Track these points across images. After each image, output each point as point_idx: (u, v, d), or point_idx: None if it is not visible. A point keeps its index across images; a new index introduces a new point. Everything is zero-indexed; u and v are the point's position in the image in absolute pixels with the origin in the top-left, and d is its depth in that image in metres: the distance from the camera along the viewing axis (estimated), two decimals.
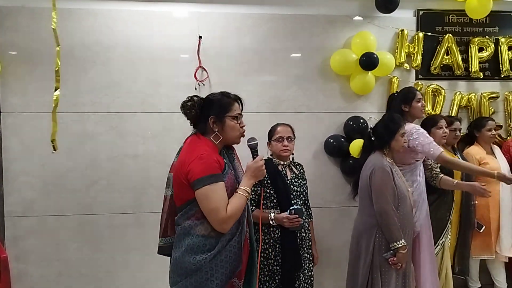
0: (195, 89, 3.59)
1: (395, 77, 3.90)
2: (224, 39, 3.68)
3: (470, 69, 4.01)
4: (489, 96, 4.03)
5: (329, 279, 3.79)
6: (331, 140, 3.81)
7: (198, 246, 2.04)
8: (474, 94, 4.03)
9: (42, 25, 3.44)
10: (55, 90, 2.86)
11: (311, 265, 2.91)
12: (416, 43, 3.92)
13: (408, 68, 3.94)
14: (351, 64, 3.70)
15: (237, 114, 2.20)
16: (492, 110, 4.03)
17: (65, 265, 3.55)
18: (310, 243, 2.93)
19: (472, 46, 4.01)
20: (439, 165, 3.27)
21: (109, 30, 3.54)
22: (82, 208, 3.56)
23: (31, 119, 3.47)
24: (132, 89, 3.58)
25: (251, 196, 2.42)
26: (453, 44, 3.95)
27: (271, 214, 2.75)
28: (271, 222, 2.75)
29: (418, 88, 3.91)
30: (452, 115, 3.95)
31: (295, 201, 2.81)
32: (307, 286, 2.85)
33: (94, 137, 3.55)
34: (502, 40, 4.04)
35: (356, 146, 3.66)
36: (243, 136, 2.26)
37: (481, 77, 4.02)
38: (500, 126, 4.03)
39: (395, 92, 3.24)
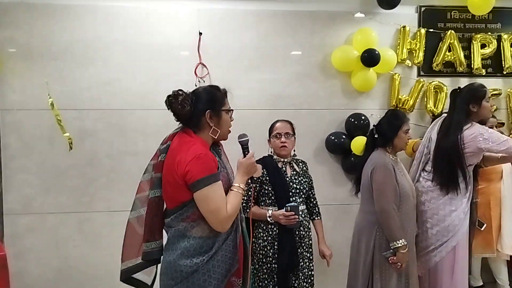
0: (195, 85, 3.54)
1: (397, 74, 3.87)
2: (225, 35, 3.66)
3: (472, 66, 3.98)
4: (492, 93, 3.98)
5: (330, 277, 3.75)
6: (332, 137, 3.78)
7: (195, 249, 1.96)
8: None
9: (41, 21, 3.42)
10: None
11: (311, 264, 2.88)
12: (418, 40, 3.89)
13: (410, 65, 3.92)
14: (352, 60, 3.67)
15: (229, 107, 2.13)
16: (495, 107, 4.00)
17: (64, 263, 3.53)
18: (310, 241, 2.89)
19: (474, 42, 3.98)
20: None
21: (109, 26, 3.52)
22: (82, 206, 3.54)
23: (30, 116, 3.45)
24: (131, 86, 3.55)
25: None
26: (455, 41, 3.92)
27: (269, 211, 2.73)
28: (268, 220, 2.72)
29: (420, 85, 3.89)
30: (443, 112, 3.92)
31: (293, 198, 2.78)
32: (307, 285, 2.82)
33: (94, 134, 3.52)
34: (505, 36, 4.01)
35: (357, 143, 3.63)
36: (230, 132, 2.16)
37: (484, 74, 4.00)
38: (503, 124, 4.00)
39: (458, 87, 3.14)
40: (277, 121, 2.92)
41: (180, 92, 2.04)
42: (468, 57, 3.99)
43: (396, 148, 2.91)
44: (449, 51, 3.94)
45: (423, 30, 3.89)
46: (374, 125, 3.02)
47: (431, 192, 2.97)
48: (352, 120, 3.77)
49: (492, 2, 3.70)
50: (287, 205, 2.66)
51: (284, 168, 2.85)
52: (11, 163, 3.44)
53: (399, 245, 2.68)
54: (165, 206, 2.10)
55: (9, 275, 3.30)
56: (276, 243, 2.73)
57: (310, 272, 2.86)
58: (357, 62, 3.67)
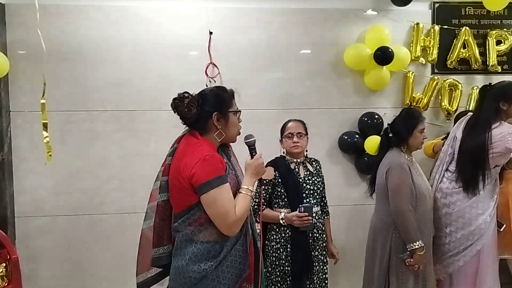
0: (206, 85, 3.52)
1: (411, 72, 3.80)
2: (235, 34, 3.61)
3: (487, 63, 3.89)
4: None
5: (344, 279, 3.71)
6: (345, 137, 3.72)
7: (203, 254, 1.92)
8: None
9: (51, 22, 3.40)
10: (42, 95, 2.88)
11: (325, 267, 2.82)
12: (432, 37, 3.81)
13: (423, 63, 3.84)
14: (365, 58, 3.61)
15: (237, 108, 2.08)
16: None
17: (76, 266, 3.51)
18: (324, 244, 2.84)
19: (489, 39, 3.89)
20: None
21: (119, 27, 3.49)
22: (93, 208, 3.51)
23: (41, 117, 3.41)
24: (142, 87, 3.52)
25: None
26: (470, 37, 3.84)
27: (281, 213, 2.68)
28: (281, 222, 2.67)
29: (434, 83, 3.82)
30: (469, 110, 3.84)
31: (307, 199, 2.73)
32: None
33: (105, 136, 3.50)
34: None
35: (371, 142, 3.57)
36: (239, 133, 2.13)
37: (499, 71, 3.91)
38: None
39: (488, 84, 2.98)
40: (289, 121, 2.88)
41: (186, 95, 2.01)
42: (483, 54, 3.90)
43: (411, 147, 2.86)
44: (464, 48, 3.86)
45: (437, 27, 3.81)
46: (388, 124, 2.97)
47: (456, 194, 2.87)
48: (365, 119, 3.71)
49: None
50: (300, 206, 2.61)
51: (297, 169, 2.80)
52: (22, 165, 3.43)
53: (416, 246, 2.62)
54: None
55: (21, 278, 3.30)
56: (289, 245, 2.68)
57: (324, 276, 2.81)
58: (370, 60, 3.60)
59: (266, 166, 2.79)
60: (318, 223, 2.77)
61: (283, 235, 2.70)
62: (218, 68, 3.56)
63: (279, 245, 2.69)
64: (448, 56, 3.87)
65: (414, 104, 3.80)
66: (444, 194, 2.90)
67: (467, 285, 2.81)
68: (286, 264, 2.67)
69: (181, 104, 1.99)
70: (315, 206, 2.74)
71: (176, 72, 3.54)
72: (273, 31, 3.66)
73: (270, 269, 2.70)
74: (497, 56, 3.89)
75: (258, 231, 2.19)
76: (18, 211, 3.43)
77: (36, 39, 3.37)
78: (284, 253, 2.68)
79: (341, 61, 3.73)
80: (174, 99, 2.02)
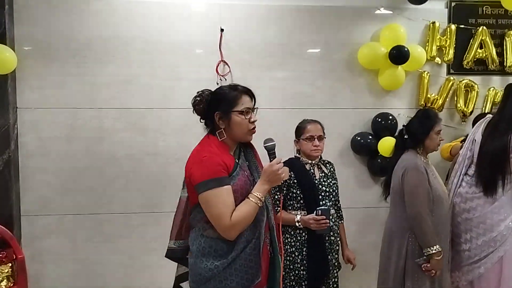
0: (217, 83, 3.44)
1: (426, 72, 3.71)
2: (247, 32, 3.54)
3: (505, 64, 3.80)
4: None
5: (354, 283, 3.62)
6: (358, 138, 3.64)
7: (209, 250, 1.92)
8: None
9: (59, 18, 3.34)
10: None
11: (335, 271, 2.74)
12: (448, 36, 3.72)
13: (439, 62, 3.75)
14: (380, 58, 3.52)
15: (245, 108, 1.97)
16: None
17: (82, 266, 3.45)
18: (338, 247, 2.76)
19: (507, 39, 3.80)
20: None
21: (128, 23, 3.42)
22: (100, 207, 3.45)
23: (48, 114, 3.37)
24: (151, 84, 3.45)
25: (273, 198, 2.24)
26: (487, 37, 3.75)
27: (297, 216, 2.60)
28: (297, 225, 2.59)
29: (450, 84, 3.73)
30: (485, 112, 3.75)
31: (323, 202, 2.65)
32: None
33: (113, 134, 3.43)
34: None
35: (385, 144, 3.49)
36: (253, 132, 2.03)
37: None
38: None
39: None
40: (307, 122, 2.77)
41: (200, 93, 2.04)
42: (500, 54, 3.81)
43: (427, 149, 2.77)
44: (481, 48, 3.77)
45: (453, 26, 3.72)
46: (404, 126, 2.88)
47: (477, 199, 2.74)
48: (379, 120, 3.63)
49: None
50: (317, 208, 2.52)
51: (312, 170, 2.71)
52: (29, 162, 3.37)
53: (434, 251, 2.54)
54: None
55: (27, 278, 3.24)
56: (304, 249, 2.60)
57: (335, 279, 2.73)
58: (384, 59, 3.52)
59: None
60: (334, 226, 2.68)
61: (298, 238, 2.61)
62: (229, 66, 3.48)
63: (294, 249, 2.61)
64: (465, 56, 3.78)
65: (429, 105, 3.71)
66: (463, 199, 2.79)
67: None
68: (302, 268, 2.58)
69: (194, 100, 2.04)
70: (331, 208, 2.65)
71: (186, 70, 3.47)
72: (285, 29, 3.58)
73: (284, 273, 2.62)
74: None
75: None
76: (24, 210, 3.37)
77: (44, 35, 3.34)
78: (300, 256, 2.60)
79: (354, 60, 3.64)
80: (194, 95, 2.06)
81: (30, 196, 3.37)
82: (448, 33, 3.72)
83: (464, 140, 3.33)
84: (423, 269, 2.59)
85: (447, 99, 3.76)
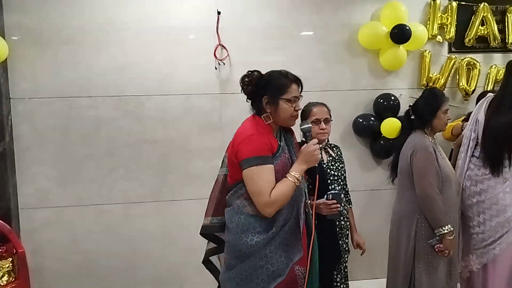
0: (216, 68, 3.37)
1: (427, 51, 3.65)
2: (244, 14, 3.44)
3: (506, 40, 3.74)
4: None
5: (360, 267, 3.60)
6: (360, 120, 3.58)
7: (248, 227, 1.99)
8: None
9: (50, 4, 3.23)
10: None
11: (346, 255, 2.70)
12: (449, 14, 3.65)
13: (441, 41, 3.69)
14: (381, 37, 3.45)
15: (293, 97, 2.05)
16: None
17: (84, 258, 3.38)
18: (348, 232, 2.71)
19: (508, 15, 3.74)
20: None
21: (122, 8, 3.31)
22: (100, 198, 3.38)
23: (42, 104, 3.27)
24: (148, 71, 3.35)
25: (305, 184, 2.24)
26: (489, 14, 3.68)
27: (308, 201, 2.54)
28: (306, 210, 2.53)
29: (452, 62, 3.67)
30: (488, 90, 3.70)
31: (333, 186, 2.59)
32: (342, 278, 2.65)
33: (110, 123, 3.34)
34: None
35: (388, 125, 3.44)
36: (296, 118, 2.12)
37: None
38: None
39: None
40: (312, 105, 2.68)
41: (250, 73, 2.10)
42: (502, 31, 3.75)
43: (435, 129, 2.71)
44: (482, 25, 3.71)
45: (454, 3, 3.65)
46: (410, 106, 2.81)
47: (488, 181, 2.68)
48: (381, 101, 3.57)
49: None
50: (328, 193, 2.46)
51: (319, 155, 2.64)
52: (25, 155, 3.28)
53: (446, 231, 2.49)
54: None
55: (29, 272, 3.18)
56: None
57: (345, 264, 2.69)
58: (386, 39, 3.44)
59: None
60: (344, 211, 2.63)
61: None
62: (227, 50, 3.39)
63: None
64: (466, 34, 3.72)
65: (431, 84, 3.65)
66: (474, 182, 2.73)
67: (504, 274, 2.64)
68: None
69: (242, 80, 2.09)
70: (341, 192, 2.60)
71: (183, 55, 3.37)
72: (284, 10, 3.49)
73: None
74: None
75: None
76: (22, 203, 3.29)
77: (35, 22, 3.22)
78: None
79: (355, 41, 3.57)
80: (244, 75, 2.11)
81: (27, 189, 3.29)
82: (449, 11, 3.65)
83: (465, 120, 3.28)
84: (436, 250, 2.54)
85: (449, 78, 3.70)
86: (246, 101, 2.12)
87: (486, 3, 3.67)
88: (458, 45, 3.74)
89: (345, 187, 2.77)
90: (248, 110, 3.37)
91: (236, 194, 2.04)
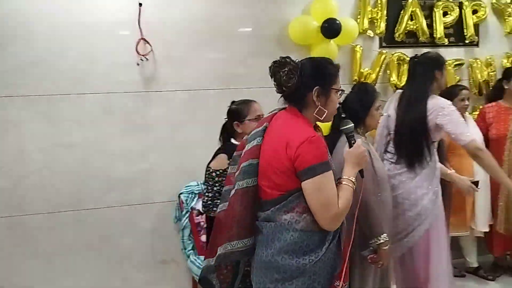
0: (138, 64, 3.13)
1: (358, 46, 3.60)
2: (169, 6, 3.22)
3: (435, 36, 3.77)
4: (455, 63, 3.81)
5: None
6: None
7: (301, 245, 1.73)
8: None
9: None
10: None
11: None
12: (379, 8, 3.62)
13: (371, 36, 3.65)
14: (311, 32, 3.35)
15: (340, 87, 1.87)
16: (458, 78, 3.82)
17: None
18: None
19: (436, 10, 3.75)
20: None
21: None
22: (11, 209, 3.04)
23: None
24: (62, 68, 3.06)
25: None
26: (417, 9, 3.68)
27: None
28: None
29: (383, 57, 3.66)
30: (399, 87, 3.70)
31: None
32: None
33: (19, 125, 3.01)
34: (466, 3, 3.80)
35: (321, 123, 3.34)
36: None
37: (446, 44, 3.80)
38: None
39: (415, 56, 2.84)
40: (249, 101, 2.53)
41: (288, 60, 1.77)
42: (430, 26, 3.77)
43: (368, 128, 2.58)
44: (411, 20, 3.70)
45: None
46: (340, 103, 2.65)
47: (399, 176, 2.71)
48: None
49: None
50: None
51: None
52: None
53: (381, 241, 2.31)
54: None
55: None
56: None
57: None
58: (316, 33, 3.35)
59: (218, 154, 2.46)
60: None
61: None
62: (150, 45, 3.15)
63: None
64: (396, 29, 3.70)
65: (363, 80, 3.61)
66: (387, 177, 2.74)
67: (419, 264, 2.69)
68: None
69: (281, 70, 1.75)
70: None
71: (101, 51, 3.10)
72: (212, 4, 3.30)
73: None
74: (444, 28, 3.77)
75: None
76: None
77: None
78: None
79: (285, 36, 3.45)
80: (274, 62, 1.79)
81: None
82: (379, 5, 3.62)
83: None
84: (370, 261, 2.39)
85: (380, 73, 3.68)
86: (281, 93, 1.82)
87: None
88: (388, 40, 3.72)
89: None
90: (177, 109, 3.26)
91: (284, 208, 1.74)
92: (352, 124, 1.95)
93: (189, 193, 3.19)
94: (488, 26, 3.96)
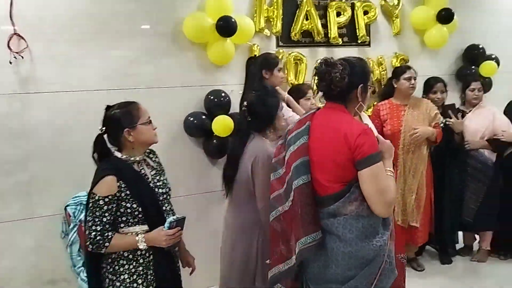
0: (10, 63, 2.77)
1: (255, 45, 3.54)
2: None
3: (329, 35, 3.84)
4: None
5: (201, 275, 3.35)
6: (191, 118, 3.32)
7: (372, 230, 1.88)
8: None
9: None
10: None
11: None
12: (275, 7, 3.59)
13: (268, 35, 3.61)
14: (207, 29, 3.22)
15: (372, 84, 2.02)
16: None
17: None
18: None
19: (330, 10, 3.83)
20: None
21: None
22: None
23: None
24: None
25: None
26: (312, 8, 3.72)
27: (138, 236, 2.04)
28: (140, 247, 2.04)
29: (280, 57, 3.62)
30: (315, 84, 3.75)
31: (164, 207, 2.19)
32: None
33: None
34: (358, 4, 3.94)
35: (219, 123, 3.24)
36: None
37: (340, 43, 3.89)
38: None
39: (253, 55, 2.91)
40: (135, 103, 2.20)
41: (337, 61, 1.91)
42: (325, 26, 3.83)
43: (276, 132, 2.50)
44: (307, 19, 3.74)
45: None
46: (245, 106, 2.52)
47: None
48: (212, 97, 3.35)
49: None
50: (172, 220, 2.04)
51: (142, 170, 2.17)
52: None
53: None
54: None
55: None
56: (150, 272, 2.10)
57: None
58: (212, 31, 3.22)
59: (104, 176, 2.04)
60: None
61: (140, 262, 2.09)
62: (26, 41, 2.81)
63: (135, 276, 2.08)
64: (292, 28, 3.71)
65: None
66: None
67: None
68: None
69: (332, 70, 1.87)
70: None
71: None
72: None
73: None
74: (338, 28, 3.86)
75: None
76: None
77: None
78: (144, 284, 2.09)
79: (181, 33, 3.29)
80: (325, 62, 1.92)
81: None
82: (275, 4, 3.59)
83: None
84: None
85: None
86: (327, 93, 1.96)
87: None
88: (285, 39, 3.71)
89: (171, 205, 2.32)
90: (60, 112, 2.95)
91: (349, 199, 1.86)
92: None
93: (77, 205, 2.87)
94: (379, 26, 4.14)
